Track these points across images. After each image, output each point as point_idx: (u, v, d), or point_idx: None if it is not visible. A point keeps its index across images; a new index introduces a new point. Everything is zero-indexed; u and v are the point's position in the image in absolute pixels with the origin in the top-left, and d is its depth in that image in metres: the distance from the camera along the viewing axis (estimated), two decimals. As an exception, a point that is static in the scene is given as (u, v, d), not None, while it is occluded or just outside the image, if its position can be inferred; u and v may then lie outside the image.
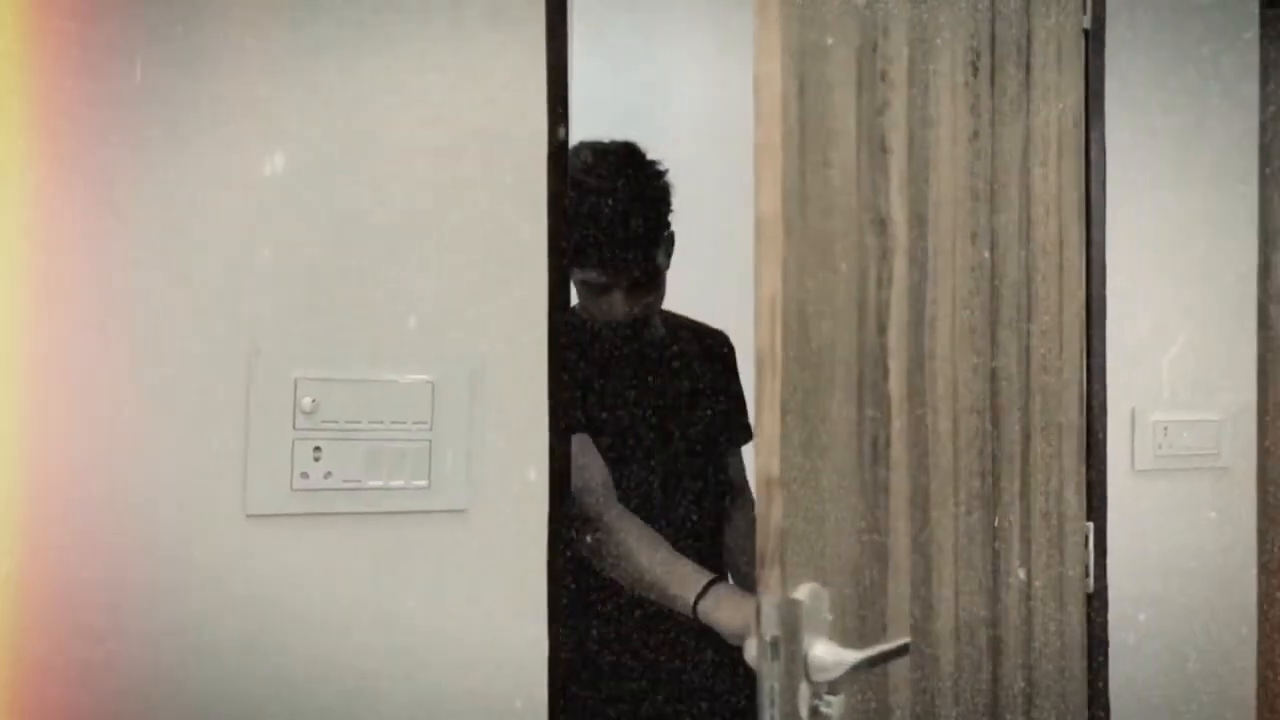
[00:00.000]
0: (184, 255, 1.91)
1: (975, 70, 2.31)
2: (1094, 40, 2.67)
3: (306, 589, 1.97)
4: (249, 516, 1.94)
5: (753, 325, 1.62)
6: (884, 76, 1.97)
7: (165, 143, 1.89)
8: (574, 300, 2.52)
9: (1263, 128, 3.03)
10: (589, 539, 2.22)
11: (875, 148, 1.97)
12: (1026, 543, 2.42)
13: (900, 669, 2.02)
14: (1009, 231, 2.40)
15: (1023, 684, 2.43)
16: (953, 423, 2.22)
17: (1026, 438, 2.41)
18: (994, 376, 2.35)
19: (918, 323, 2.11)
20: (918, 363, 2.12)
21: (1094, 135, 2.67)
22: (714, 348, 2.72)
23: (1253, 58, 2.92)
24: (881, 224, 2.00)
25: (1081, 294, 2.63)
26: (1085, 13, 2.66)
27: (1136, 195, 2.79)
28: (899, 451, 2.03)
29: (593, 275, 2.40)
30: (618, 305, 2.44)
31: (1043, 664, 2.52)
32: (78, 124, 1.84)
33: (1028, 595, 2.41)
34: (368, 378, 2.01)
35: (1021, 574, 2.34)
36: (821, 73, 1.80)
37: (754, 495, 2.26)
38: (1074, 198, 2.61)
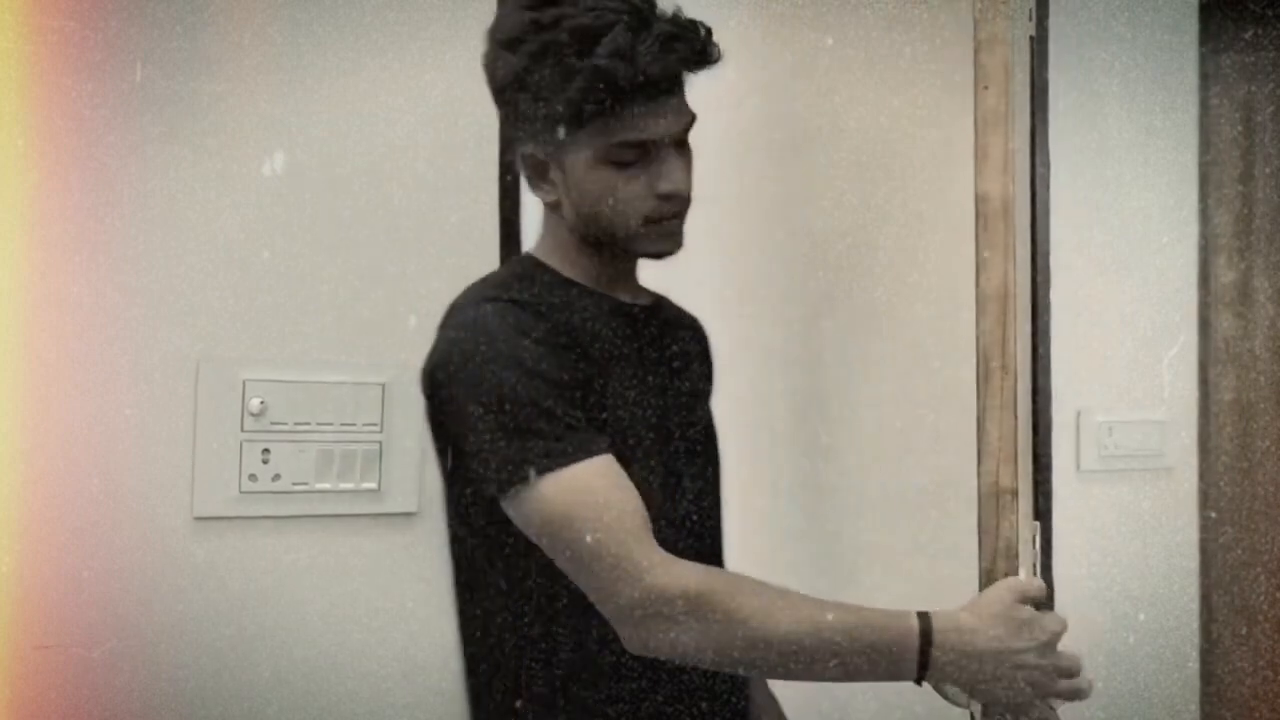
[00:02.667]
0: (178, 261, 1.90)
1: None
2: (1039, 48, 2.74)
3: (254, 592, 1.96)
4: (196, 519, 1.93)
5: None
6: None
7: (165, 143, 1.88)
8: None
9: (1202, 137, 3.12)
10: (656, 631, 1.45)
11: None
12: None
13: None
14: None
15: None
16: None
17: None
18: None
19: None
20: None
21: (1039, 141, 2.73)
22: (701, 337, 2.03)
23: (1192, 69, 3.00)
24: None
25: (1027, 297, 2.69)
26: (1030, 20, 2.72)
27: (1081, 202, 2.85)
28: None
29: (622, 125, 1.58)
30: (674, 172, 1.62)
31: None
32: (78, 124, 1.83)
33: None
34: (318, 379, 2.00)
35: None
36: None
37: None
38: (1019, 202, 2.67)
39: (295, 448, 1.99)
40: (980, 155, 1.54)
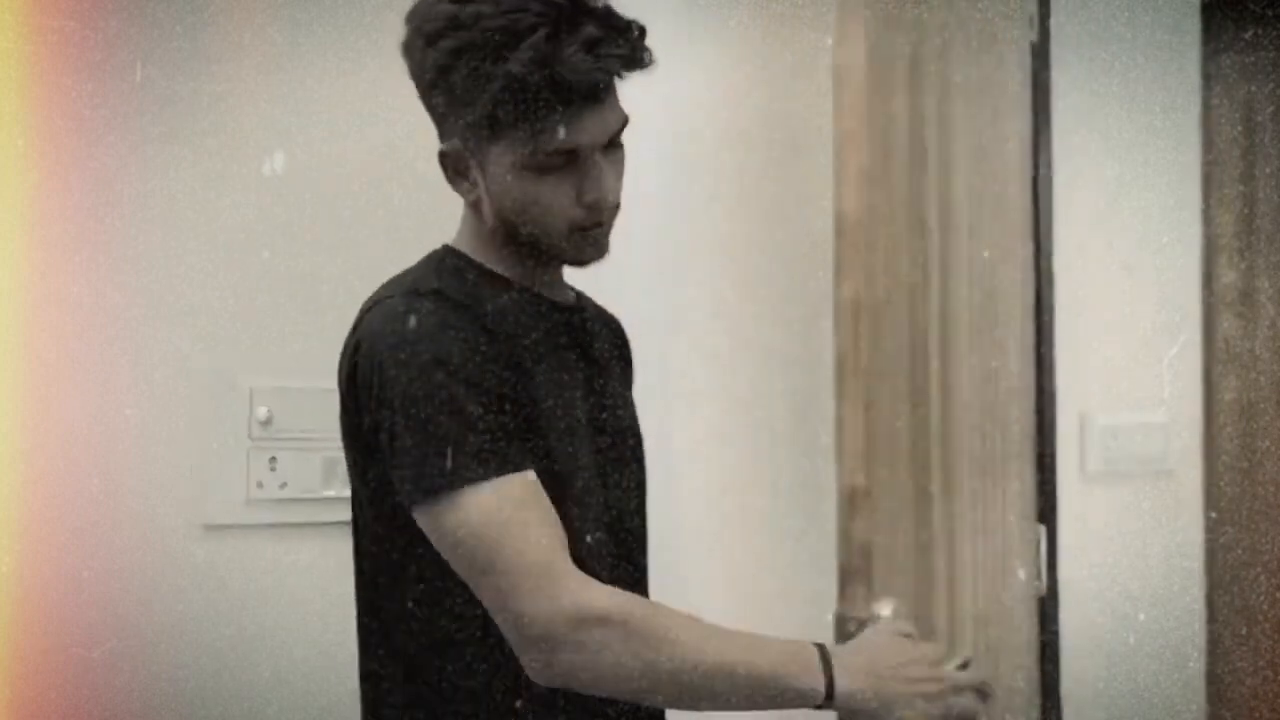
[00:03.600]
0: (177, 261, 1.91)
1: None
2: (1040, 53, 2.74)
3: (253, 593, 1.96)
4: (206, 527, 1.93)
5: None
6: (918, 74, 1.94)
7: (165, 143, 1.88)
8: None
9: (1204, 138, 3.11)
10: (557, 654, 1.38)
11: (918, 148, 1.91)
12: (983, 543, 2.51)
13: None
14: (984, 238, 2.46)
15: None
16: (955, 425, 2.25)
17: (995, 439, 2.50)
18: (993, 377, 2.44)
19: (943, 328, 2.10)
20: (928, 367, 2.12)
21: (1041, 145, 2.73)
22: (622, 337, 1.90)
23: (1194, 70, 3.00)
24: (921, 225, 1.97)
25: (1030, 301, 2.70)
26: (1031, 26, 2.72)
27: (1083, 204, 2.85)
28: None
29: (544, 133, 1.47)
30: (600, 181, 1.51)
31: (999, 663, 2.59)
32: (78, 124, 1.83)
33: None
34: (324, 386, 2.00)
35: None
36: (888, 65, 1.73)
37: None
38: (1020, 206, 2.69)
39: (302, 456, 1.99)
40: (837, 175, 1.54)
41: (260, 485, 1.97)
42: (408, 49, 1.51)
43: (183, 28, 1.89)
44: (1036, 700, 2.65)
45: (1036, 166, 2.70)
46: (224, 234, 1.93)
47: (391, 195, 2.02)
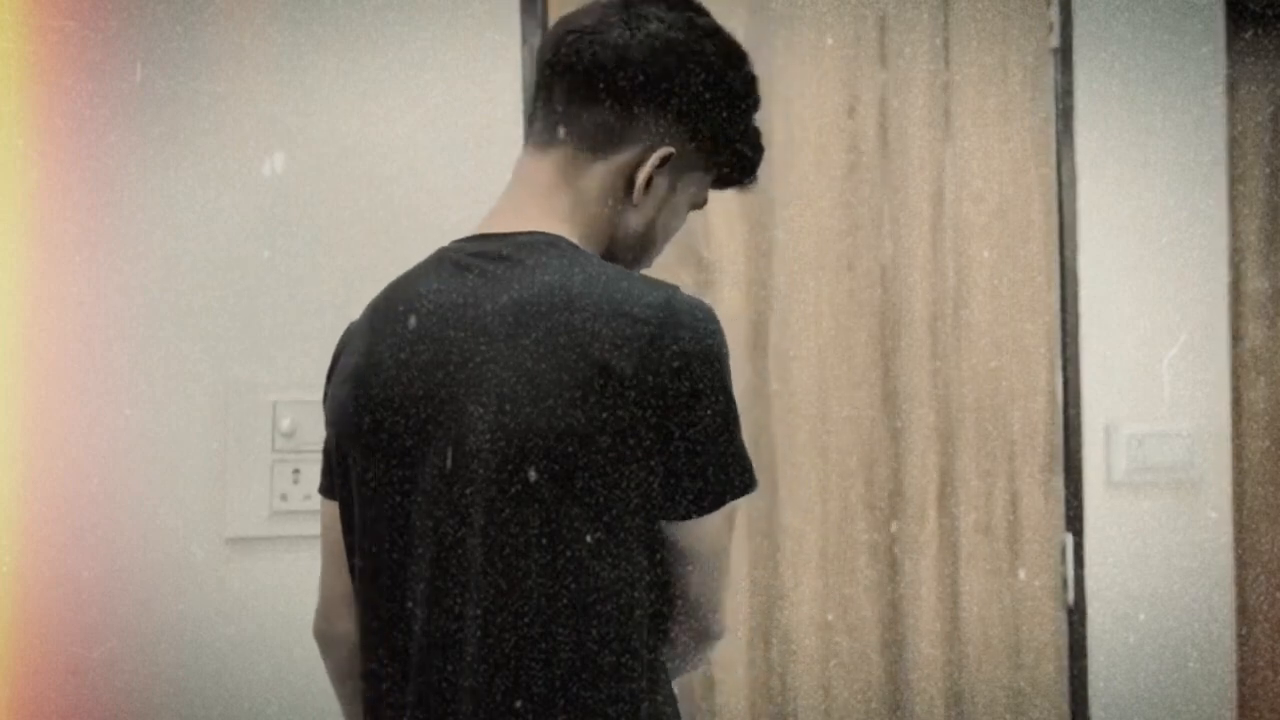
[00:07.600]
0: (177, 261, 1.90)
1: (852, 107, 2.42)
2: (1063, 59, 2.73)
3: (285, 611, 1.96)
4: (228, 540, 1.93)
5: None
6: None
7: (165, 143, 1.88)
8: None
9: (1231, 144, 3.08)
10: None
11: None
12: (952, 556, 2.55)
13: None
14: (913, 259, 2.51)
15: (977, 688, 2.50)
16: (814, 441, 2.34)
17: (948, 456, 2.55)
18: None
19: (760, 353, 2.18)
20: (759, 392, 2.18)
21: (1064, 151, 2.72)
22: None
23: (1219, 76, 2.97)
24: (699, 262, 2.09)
25: (1050, 312, 2.70)
26: (1052, 32, 2.72)
27: (1107, 211, 2.84)
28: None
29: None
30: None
31: (1014, 672, 2.60)
32: (78, 124, 1.83)
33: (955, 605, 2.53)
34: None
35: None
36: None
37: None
38: (1036, 215, 2.69)
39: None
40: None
41: (284, 498, 1.98)
42: (699, 58, 1.50)
43: (183, 28, 1.89)
44: (1065, 709, 2.65)
45: (1060, 176, 2.71)
46: (224, 234, 1.93)
47: (392, 195, 2.02)
